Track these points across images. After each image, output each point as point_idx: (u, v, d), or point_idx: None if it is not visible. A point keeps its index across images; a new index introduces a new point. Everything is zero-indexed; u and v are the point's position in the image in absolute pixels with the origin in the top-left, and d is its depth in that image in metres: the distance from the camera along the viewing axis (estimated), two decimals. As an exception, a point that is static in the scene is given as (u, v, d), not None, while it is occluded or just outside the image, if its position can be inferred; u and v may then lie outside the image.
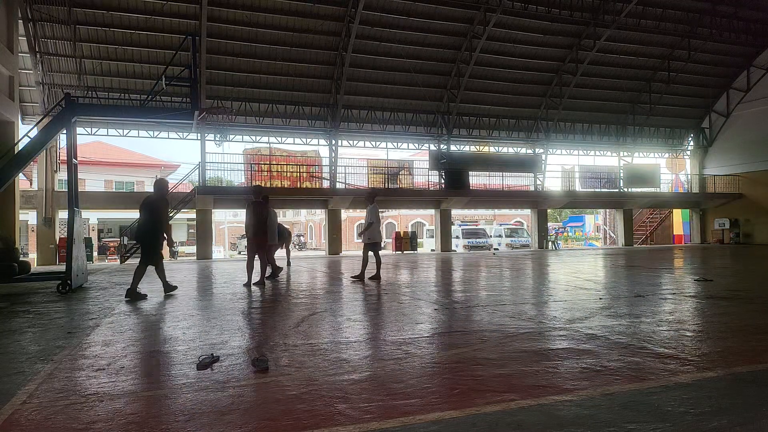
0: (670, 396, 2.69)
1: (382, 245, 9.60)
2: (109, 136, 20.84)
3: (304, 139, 22.53)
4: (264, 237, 8.69)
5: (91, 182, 28.12)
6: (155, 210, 7.24)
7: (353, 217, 43.98)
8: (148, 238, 7.35)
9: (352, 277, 9.52)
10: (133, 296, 7.02)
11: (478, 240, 28.64)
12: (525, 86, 24.02)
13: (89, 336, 4.56)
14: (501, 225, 32.25)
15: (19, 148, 9.59)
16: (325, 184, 22.23)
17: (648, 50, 24.29)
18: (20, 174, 11.45)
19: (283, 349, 3.95)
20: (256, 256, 8.49)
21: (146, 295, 7.14)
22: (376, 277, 9.16)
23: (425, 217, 40.58)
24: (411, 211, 38.00)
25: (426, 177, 24.23)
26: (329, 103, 21.71)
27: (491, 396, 2.73)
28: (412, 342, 4.17)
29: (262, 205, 8.75)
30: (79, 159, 9.46)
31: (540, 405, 2.59)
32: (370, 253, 9.20)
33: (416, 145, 25.16)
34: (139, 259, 7.50)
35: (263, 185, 20.68)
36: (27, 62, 17.51)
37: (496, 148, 25.49)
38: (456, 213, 34.84)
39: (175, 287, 7.79)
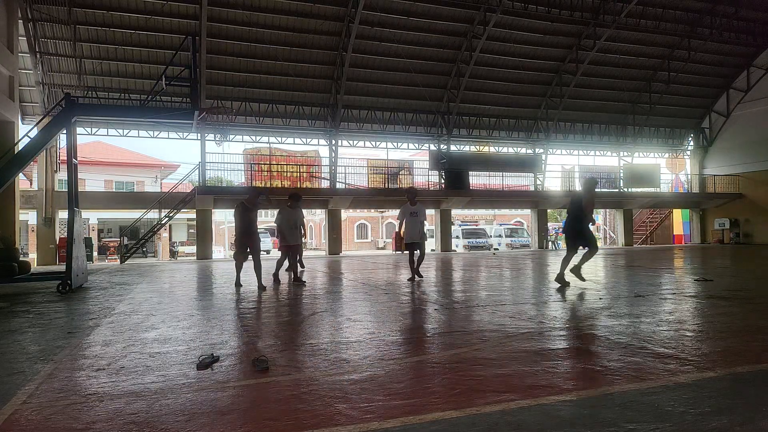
0: (670, 396, 2.69)
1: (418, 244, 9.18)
2: (109, 136, 20.87)
3: (304, 139, 22.53)
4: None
5: (91, 182, 28.12)
6: (577, 203, 8.05)
7: (353, 217, 43.98)
8: (576, 228, 8.06)
9: (410, 279, 9.17)
10: (561, 281, 7.72)
11: (478, 240, 28.63)
12: (525, 86, 24.03)
13: (89, 336, 4.56)
14: (501, 225, 32.25)
15: (19, 148, 9.59)
16: (325, 184, 22.23)
17: (648, 50, 24.29)
18: (20, 174, 11.44)
19: (283, 349, 3.95)
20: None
21: (569, 283, 7.63)
22: (415, 276, 9.09)
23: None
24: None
25: (426, 177, 24.24)
26: (329, 103, 21.71)
27: (491, 396, 2.73)
28: (412, 342, 4.17)
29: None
30: (79, 159, 9.47)
31: (540, 405, 2.58)
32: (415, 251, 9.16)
33: (416, 145, 25.16)
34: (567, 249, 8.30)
35: (262, 185, 20.70)
36: (27, 62, 17.51)
37: (496, 148, 25.50)
38: (456, 213, 34.80)
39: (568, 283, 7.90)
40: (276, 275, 8.95)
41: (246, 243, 8.07)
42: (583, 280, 7.90)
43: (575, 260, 8.01)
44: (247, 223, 8.02)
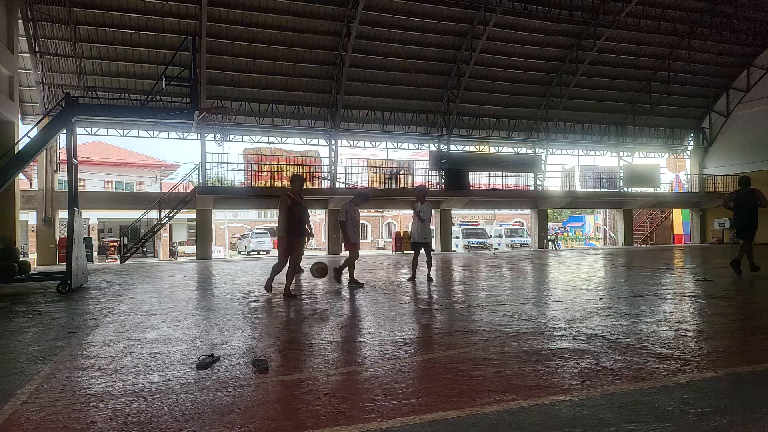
0: (670, 396, 2.69)
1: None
2: (109, 136, 20.89)
3: (304, 139, 22.54)
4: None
5: (91, 182, 28.13)
6: (752, 201, 9.11)
7: (353, 217, 43.89)
8: (754, 221, 9.08)
9: (410, 279, 9.11)
10: (736, 267, 8.68)
11: (478, 240, 28.65)
12: (525, 86, 24.04)
13: (89, 336, 4.56)
14: (501, 225, 32.27)
15: (19, 148, 9.59)
16: (325, 184, 22.24)
17: (648, 50, 24.30)
18: (20, 174, 11.45)
19: (283, 349, 3.95)
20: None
21: (760, 268, 8.74)
22: (416, 276, 9.01)
23: (425, 217, 40.46)
24: (411, 211, 37.98)
25: (426, 177, 24.24)
26: (329, 103, 21.72)
27: (491, 396, 2.73)
28: (412, 342, 4.17)
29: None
30: (79, 159, 9.47)
31: (540, 405, 2.58)
32: (422, 252, 9.07)
33: (416, 145, 25.17)
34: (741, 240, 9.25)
35: (262, 185, 20.70)
36: (27, 62, 17.51)
37: (496, 148, 25.50)
38: (456, 213, 34.81)
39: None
40: (352, 279, 8.45)
41: (294, 245, 7.00)
42: (741, 273, 8.76)
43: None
44: (295, 221, 6.87)
